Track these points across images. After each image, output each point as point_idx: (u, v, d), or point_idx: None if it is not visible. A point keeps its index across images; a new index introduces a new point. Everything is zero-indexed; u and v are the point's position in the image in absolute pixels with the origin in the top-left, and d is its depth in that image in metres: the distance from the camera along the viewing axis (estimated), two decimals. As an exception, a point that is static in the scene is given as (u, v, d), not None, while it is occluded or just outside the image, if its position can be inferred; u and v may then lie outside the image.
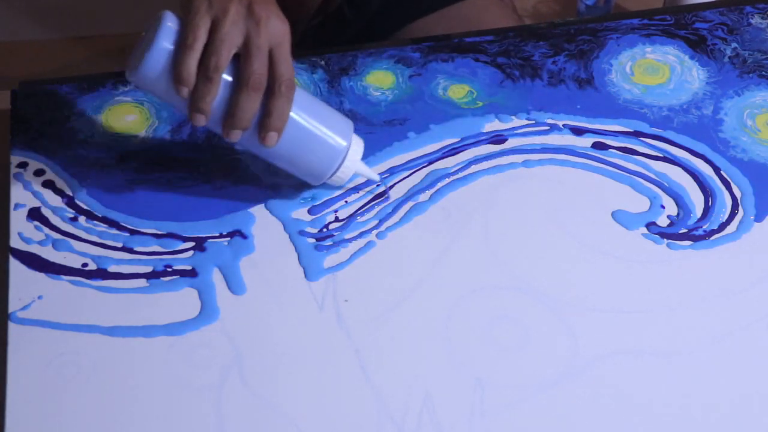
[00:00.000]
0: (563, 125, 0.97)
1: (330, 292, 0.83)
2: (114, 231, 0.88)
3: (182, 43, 0.80)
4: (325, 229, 0.88)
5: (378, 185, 0.92)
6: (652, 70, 1.03)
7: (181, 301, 0.83)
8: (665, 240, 0.88)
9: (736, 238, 0.88)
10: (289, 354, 0.79)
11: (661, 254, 0.87)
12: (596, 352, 0.80)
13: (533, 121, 0.98)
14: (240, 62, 0.82)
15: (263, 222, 0.89)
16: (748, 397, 0.77)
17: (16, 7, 1.90)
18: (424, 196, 0.91)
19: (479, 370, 0.78)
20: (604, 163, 0.94)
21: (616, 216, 0.90)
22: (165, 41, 0.81)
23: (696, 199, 0.91)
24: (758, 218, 0.90)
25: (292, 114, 0.84)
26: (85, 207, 0.89)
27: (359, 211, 0.90)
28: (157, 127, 0.97)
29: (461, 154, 0.95)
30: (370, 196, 0.91)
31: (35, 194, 0.90)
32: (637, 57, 1.04)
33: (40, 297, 0.83)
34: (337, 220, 0.89)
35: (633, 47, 1.06)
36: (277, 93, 0.82)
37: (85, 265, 0.85)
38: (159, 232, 0.88)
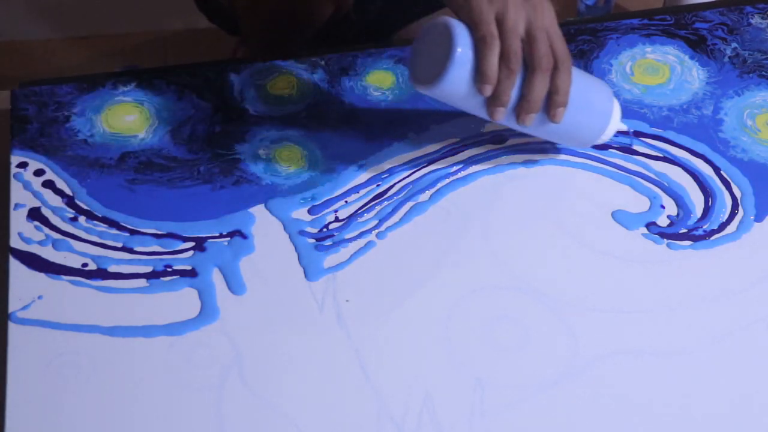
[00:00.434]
0: (563, 125, 0.97)
1: (330, 292, 0.83)
2: (114, 231, 0.88)
3: (482, 42, 0.81)
4: (325, 229, 0.88)
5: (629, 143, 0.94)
6: (652, 70, 1.03)
7: (181, 301, 0.83)
8: (665, 240, 0.88)
9: (736, 238, 0.88)
10: (289, 354, 0.79)
11: (661, 254, 0.87)
12: (596, 352, 0.80)
13: (533, 121, 0.97)
14: (527, 47, 0.83)
15: (263, 222, 0.89)
16: (748, 397, 0.77)
17: (16, 7, 1.90)
18: (424, 196, 0.91)
19: (479, 370, 0.78)
20: (604, 163, 0.94)
21: (616, 216, 0.90)
22: (463, 47, 0.81)
23: (696, 199, 0.91)
24: (758, 218, 0.90)
25: None
26: (85, 207, 0.89)
27: (359, 211, 0.90)
28: (157, 127, 0.97)
29: (461, 154, 0.95)
30: (371, 196, 0.91)
31: (35, 194, 0.90)
32: (637, 57, 1.04)
33: (40, 297, 0.83)
34: (337, 220, 0.89)
35: (633, 47, 1.05)
36: (561, 70, 0.83)
37: (85, 265, 0.85)
38: (159, 232, 0.88)
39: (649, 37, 1.06)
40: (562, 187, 0.92)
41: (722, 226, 0.89)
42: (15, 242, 0.86)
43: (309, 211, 0.90)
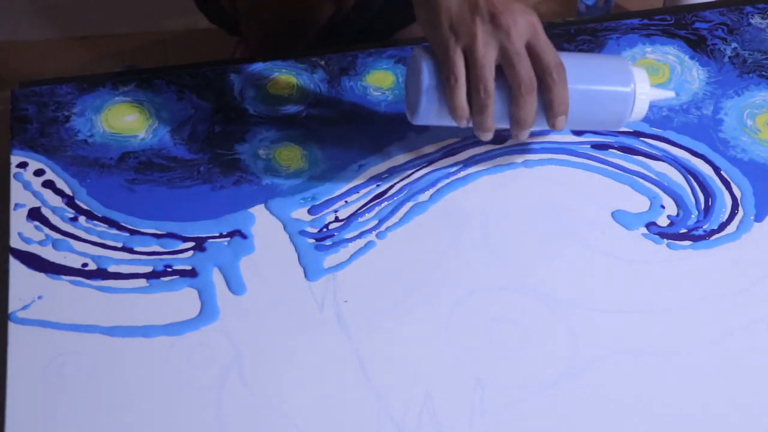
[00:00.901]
0: (563, 125, 0.97)
1: (330, 292, 0.83)
2: (114, 231, 0.88)
3: (447, 84, 0.81)
4: (325, 229, 0.88)
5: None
6: (652, 70, 1.03)
7: (181, 301, 0.83)
8: (665, 240, 0.88)
9: (736, 238, 0.88)
10: (289, 354, 0.79)
11: (661, 254, 0.87)
12: (596, 352, 0.80)
13: (533, 121, 0.97)
14: (505, 71, 0.82)
15: (263, 222, 0.89)
16: (748, 397, 0.77)
17: (16, 7, 1.90)
18: (424, 196, 0.91)
19: (479, 370, 0.78)
20: (604, 163, 0.94)
21: (616, 216, 0.90)
22: (430, 82, 0.83)
23: (696, 199, 0.91)
24: (758, 218, 0.90)
25: (570, 87, 0.84)
26: (85, 207, 0.89)
27: (359, 211, 0.90)
28: (157, 127, 0.97)
29: (461, 154, 0.95)
30: (371, 196, 0.91)
31: (35, 194, 0.90)
32: (637, 57, 1.04)
33: (40, 297, 0.83)
34: (337, 220, 0.89)
35: (633, 47, 1.05)
36: (550, 83, 0.82)
37: (85, 265, 0.85)
38: (159, 232, 0.88)
39: (649, 37, 1.06)
40: (562, 187, 0.92)
41: (722, 226, 0.89)
42: (15, 242, 0.86)
43: (309, 211, 0.90)
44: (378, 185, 0.92)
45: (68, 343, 0.80)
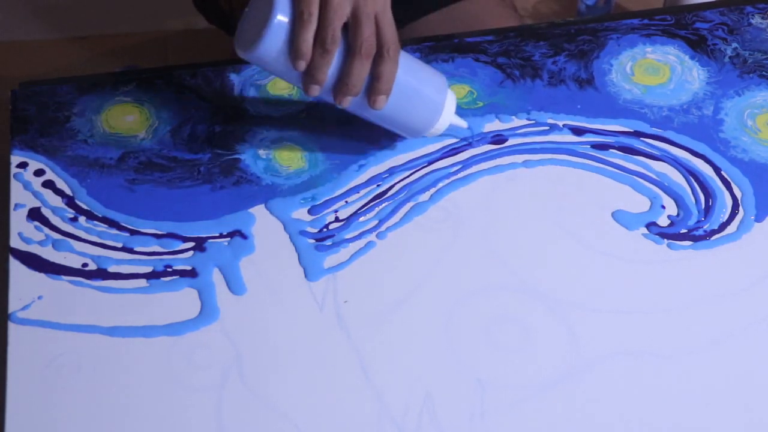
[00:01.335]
0: (563, 125, 0.97)
1: (330, 293, 0.83)
2: (114, 231, 0.88)
3: (299, 18, 0.81)
4: (325, 229, 0.88)
5: (467, 142, 0.95)
6: (653, 70, 1.03)
7: (181, 302, 0.83)
8: (665, 240, 0.88)
9: (737, 238, 0.88)
10: (289, 354, 0.79)
11: (661, 254, 0.87)
12: (597, 352, 0.80)
13: (533, 121, 0.98)
14: (350, 31, 0.83)
15: (263, 222, 0.89)
16: (748, 398, 0.77)
17: (16, 7, 1.90)
18: (424, 197, 0.91)
19: (480, 370, 0.78)
20: (604, 163, 0.94)
21: (617, 216, 0.89)
22: (281, 16, 0.81)
23: (696, 200, 0.91)
24: (759, 218, 0.89)
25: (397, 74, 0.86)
26: (85, 207, 0.89)
27: (359, 211, 0.90)
28: (157, 127, 0.96)
29: (461, 154, 0.94)
30: (371, 196, 0.91)
31: (35, 194, 0.90)
32: (638, 57, 1.04)
33: (40, 297, 0.82)
34: (337, 220, 0.89)
35: (633, 47, 1.05)
36: (385, 57, 0.83)
37: (85, 265, 0.85)
38: (159, 233, 0.88)
39: (649, 37, 1.06)
40: (562, 187, 0.92)
41: (723, 226, 0.89)
42: (15, 242, 0.86)
43: (309, 211, 0.89)
44: (378, 185, 0.92)
45: (68, 344, 0.79)
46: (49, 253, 0.86)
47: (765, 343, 0.80)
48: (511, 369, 0.79)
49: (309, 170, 0.93)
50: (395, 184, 0.92)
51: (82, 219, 0.88)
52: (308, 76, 0.84)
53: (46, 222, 0.88)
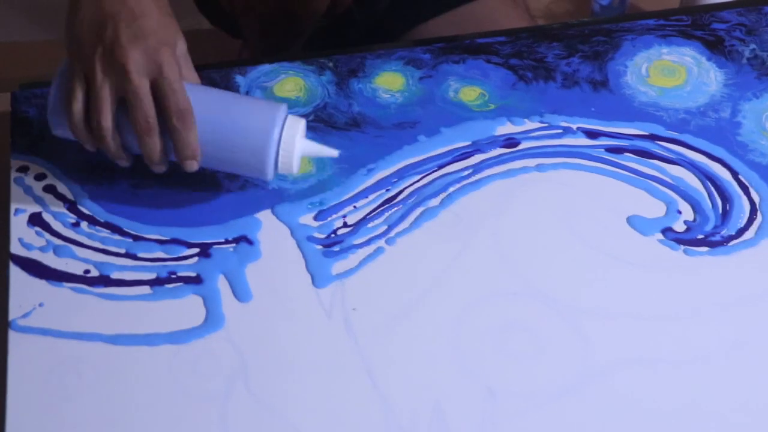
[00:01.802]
0: (577, 128, 0.96)
1: (338, 300, 0.83)
2: (117, 237, 0.87)
3: (67, 108, 0.82)
4: (333, 235, 0.87)
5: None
6: (669, 72, 1.02)
7: (186, 309, 0.82)
8: (682, 246, 0.87)
9: (755, 243, 0.87)
10: (295, 362, 0.79)
11: (677, 260, 0.86)
12: (610, 360, 0.79)
13: (546, 124, 0.97)
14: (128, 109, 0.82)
15: (270, 227, 0.88)
16: (765, 407, 0.76)
17: (16, 8, 1.90)
18: (434, 201, 0.90)
19: (490, 378, 0.78)
20: (618, 167, 0.93)
21: (632, 221, 0.88)
22: (55, 94, 0.84)
23: (713, 204, 0.90)
24: (777, 224, 0.89)
25: (206, 123, 0.82)
26: (87, 212, 0.89)
27: (368, 217, 0.89)
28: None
29: (473, 158, 0.93)
30: (380, 201, 0.90)
31: (36, 199, 0.90)
32: (653, 58, 1.03)
33: (41, 304, 0.82)
34: (345, 225, 0.88)
35: (649, 48, 1.04)
36: (172, 128, 0.81)
37: (87, 271, 0.84)
38: (163, 238, 0.87)
39: (665, 38, 1.05)
40: (575, 191, 0.91)
41: (740, 232, 0.88)
42: (15, 248, 0.86)
43: (316, 217, 0.89)
44: (387, 190, 0.91)
45: (70, 352, 0.79)
46: (50, 260, 0.85)
47: (784, 351, 0.80)
48: (522, 377, 0.78)
49: (316, 174, 0.92)
50: (405, 188, 0.91)
51: (84, 224, 0.88)
52: (109, 155, 0.85)
53: (47, 227, 0.88)
